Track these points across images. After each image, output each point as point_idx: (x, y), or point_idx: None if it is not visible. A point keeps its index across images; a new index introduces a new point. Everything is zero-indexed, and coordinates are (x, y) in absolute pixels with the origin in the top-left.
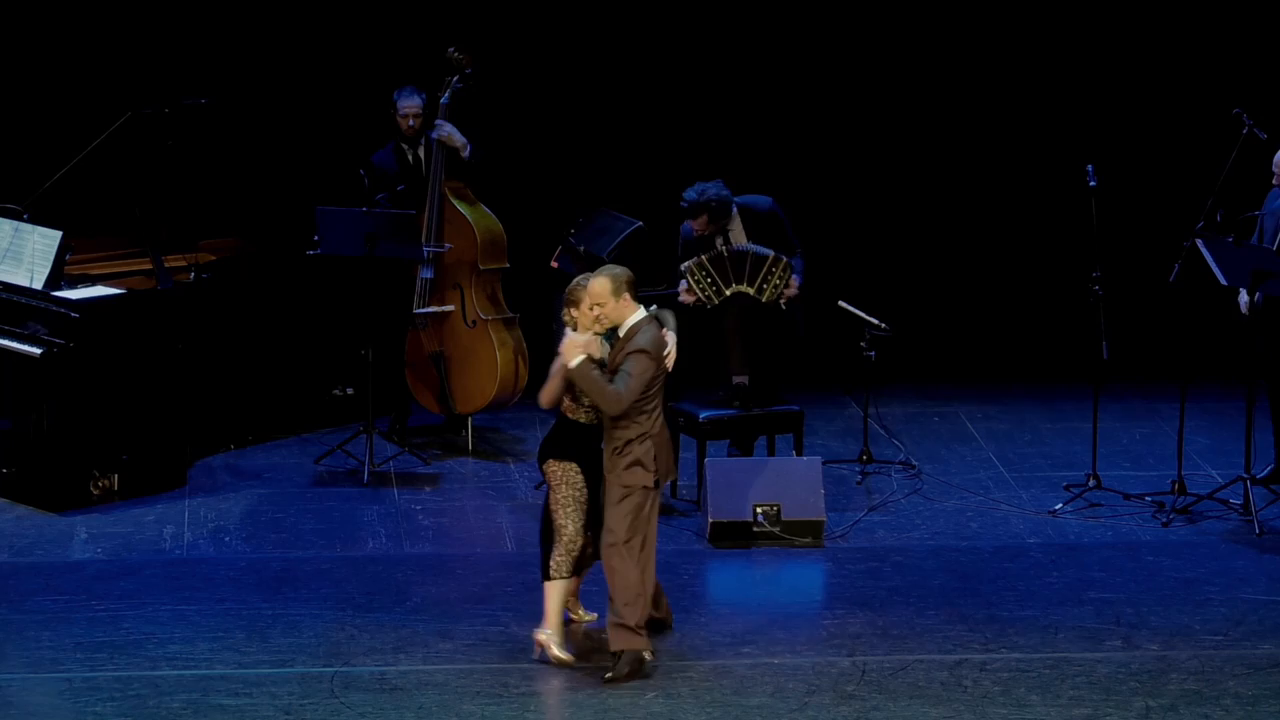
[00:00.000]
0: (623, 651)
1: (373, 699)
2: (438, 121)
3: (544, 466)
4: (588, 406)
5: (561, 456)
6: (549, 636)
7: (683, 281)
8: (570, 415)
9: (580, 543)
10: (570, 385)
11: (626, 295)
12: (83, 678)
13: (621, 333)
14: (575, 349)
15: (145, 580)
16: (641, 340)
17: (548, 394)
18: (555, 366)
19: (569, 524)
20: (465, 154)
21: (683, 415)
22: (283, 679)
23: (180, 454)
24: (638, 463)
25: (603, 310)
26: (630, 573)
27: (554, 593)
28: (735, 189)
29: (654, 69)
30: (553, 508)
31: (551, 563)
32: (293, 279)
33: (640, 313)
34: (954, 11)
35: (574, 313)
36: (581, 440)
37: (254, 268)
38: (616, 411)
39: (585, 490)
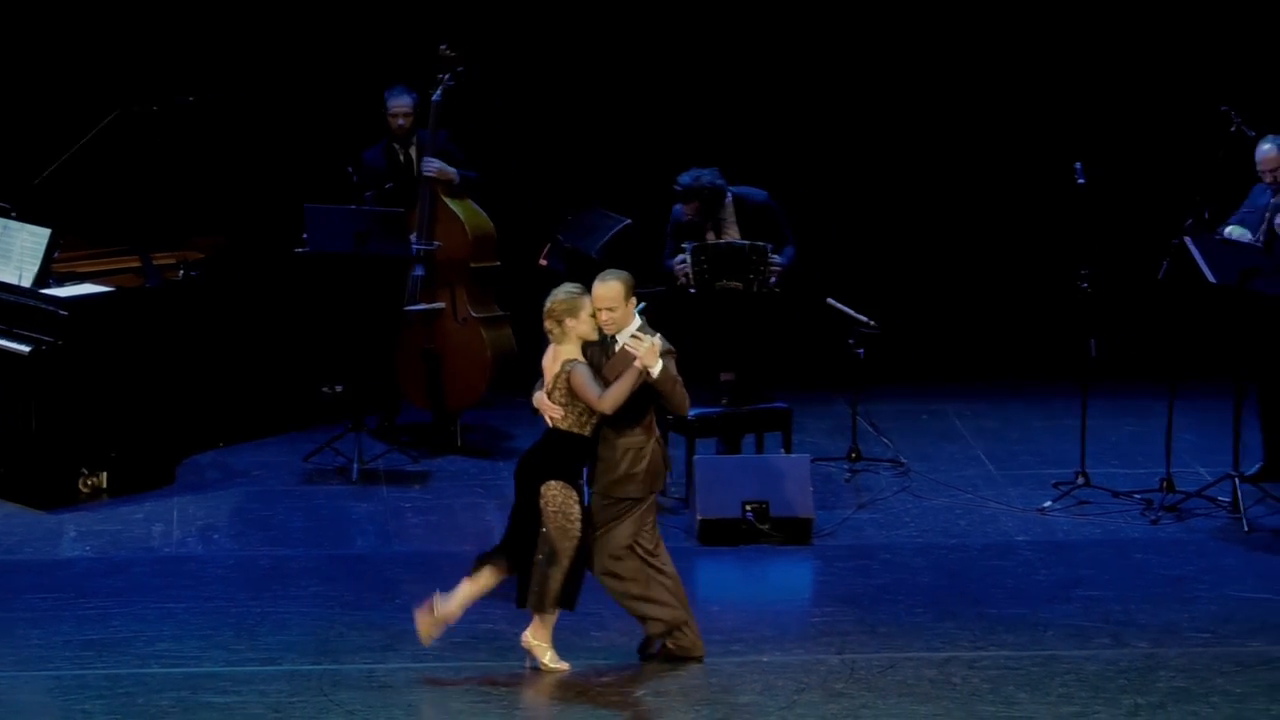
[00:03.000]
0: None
1: (361, 696)
2: (426, 160)
3: (545, 489)
4: (591, 419)
5: (566, 476)
6: (541, 646)
7: (681, 257)
8: (563, 427)
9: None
10: (574, 396)
11: (631, 299)
12: (72, 676)
13: (622, 338)
14: (654, 353)
15: (134, 578)
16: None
17: (616, 399)
18: (613, 372)
19: (570, 552)
20: (457, 183)
21: (671, 413)
22: (271, 677)
23: (168, 452)
24: (650, 471)
25: (613, 315)
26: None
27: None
28: (729, 182)
29: (647, 64)
30: (555, 538)
31: (541, 593)
32: (281, 277)
33: (638, 318)
34: (945, 10)
35: (569, 323)
36: (579, 454)
37: (242, 265)
38: (685, 413)
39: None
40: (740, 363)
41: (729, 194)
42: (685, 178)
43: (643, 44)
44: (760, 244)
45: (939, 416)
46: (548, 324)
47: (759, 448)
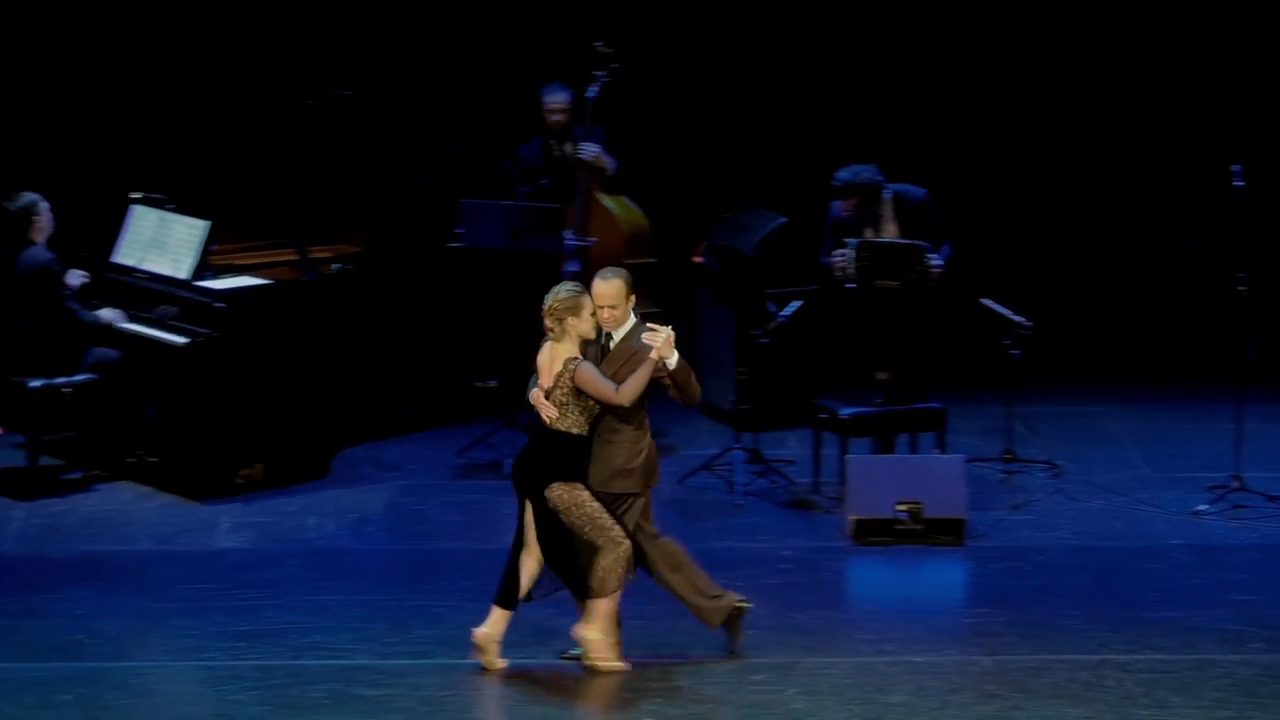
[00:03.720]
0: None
1: (513, 691)
2: (582, 145)
3: (549, 492)
4: (588, 418)
5: (568, 477)
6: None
7: (839, 253)
8: (560, 427)
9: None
10: (579, 393)
11: (631, 297)
12: (224, 666)
13: (619, 335)
14: (670, 344)
15: (287, 570)
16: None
17: (635, 391)
18: (611, 368)
19: (613, 532)
20: (610, 172)
21: (825, 412)
22: (423, 670)
23: (323, 445)
24: (647, 465)
25: (615, 312)
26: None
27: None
28: (887, 179)
29: (806, 60)
30: (582, 529)
31: (600, 578)
32: (436, 271)
33: (633, 316)
34: (1107, 8)
35: (570, 322)
36: (579, 454)
37: (397, 259)
38: (697, 404)
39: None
40: (895, 362)
41: (888, 190)
42: (844, 174)
43: (802, 40)
44: (920, 243)
45: (1094, 418)
46: (548, 322)
47: (913, 448)
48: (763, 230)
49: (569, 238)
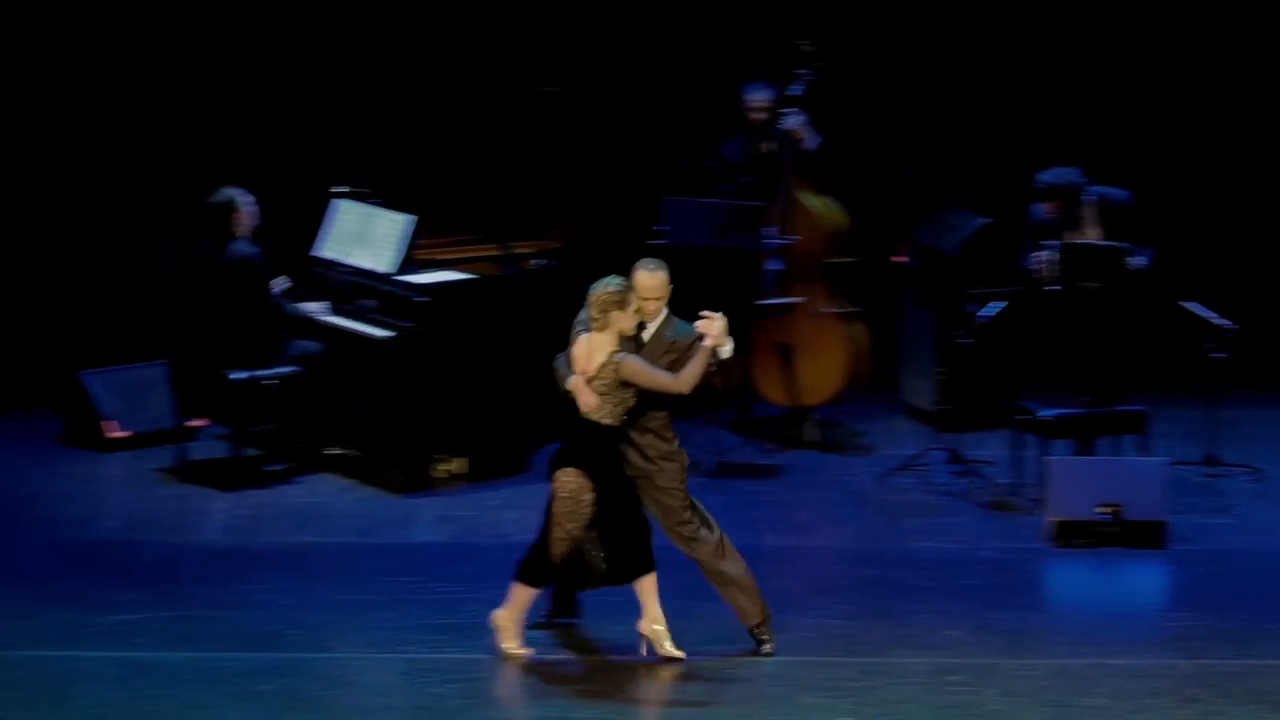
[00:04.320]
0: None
1: (713, 689)
2: (788, 114)
3: (561, 475)
4: (624, 409)
5: (592, 465)
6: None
7: (1041, 255)
8: (596, 417)
9: None
10: (620, 385)
11: (669, 288)
12: (424, 659)
13: (651, 329)
14: (725, 333)
15: (487, 564)
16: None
17: (694, 379)
18: (666, 354)
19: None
20: (809, 146)
21: (1026, 413)
22: (624, 666)
23: (524, 440)
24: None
25: (659, 304)
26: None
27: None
28: (1090, 181)
29: (1009, 61)
30: (560, 522)
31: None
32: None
33: (664, 310)
34: None
35: (615, 315)
36: (609, 444)
37: (599, 256)
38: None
39: None
40: (1097, 364)
41: (1090, 193)
42: (1047, 176)
43: (1006, 41)
44: (1122, 245)
45: None
46: (593, 312)
47: (1114, 450)
48: (965, 231)
49: (770, 235)
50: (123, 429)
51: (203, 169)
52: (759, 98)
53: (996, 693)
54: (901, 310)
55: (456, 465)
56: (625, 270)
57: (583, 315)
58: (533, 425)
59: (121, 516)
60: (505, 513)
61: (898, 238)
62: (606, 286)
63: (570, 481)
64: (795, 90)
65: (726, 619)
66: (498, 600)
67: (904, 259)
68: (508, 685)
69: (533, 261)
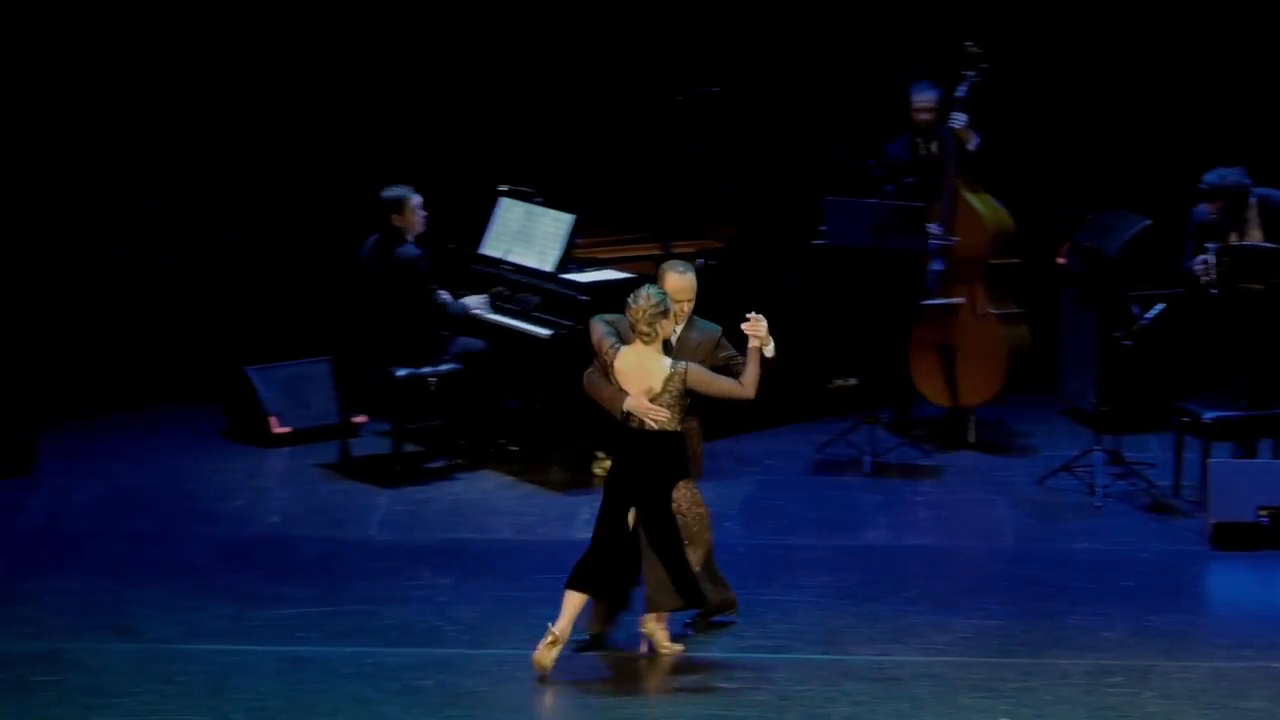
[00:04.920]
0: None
1: (869, 688)
2: (953, 114)
3: (676, 492)
4: (678, 415)
5: (682, 474)
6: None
7: (1202, 258)
8: (668, 428)
9: None
10: (684, 393)
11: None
12: (580, 655)
13: (679, 329)
14: (768, 335)
15: None
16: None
17: (756, 380)
18: (693, 354)
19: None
20: (971, 147)
21: (1188, 415)
22: (780, 665)
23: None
24: (698, 453)
25: (690, 304)
26: None
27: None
28: (1255, 183)
29: (1170, 61)
30: (690, 527)
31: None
32: (798, 268)
33: None
34: None
35: (663, 324)
36: (684, 450)
37: (759, 256)
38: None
39: None
40: (1258, 366)
41: (1254, 195)
42: (1211, 176)
43: (1171, 41)
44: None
45: None
46: (642, 327)
47: (1276, 453)
48: (1127, 233)
49: (934, 236)
50: (286, 425)
51: (375, 168)
52: (924, 98)
53: (1154, 695)
54: (1062, 312)
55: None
56: (782, 270)
57: (607, 330)
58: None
59: (283, 512)
60: None
61: (1059, 239)
62: (649, 298)
63: (685, 494)
64: (960, 91)
65: (879, 621)
66: None
67: (1065, 261)
68: (662, 681)
69: (696, 261)
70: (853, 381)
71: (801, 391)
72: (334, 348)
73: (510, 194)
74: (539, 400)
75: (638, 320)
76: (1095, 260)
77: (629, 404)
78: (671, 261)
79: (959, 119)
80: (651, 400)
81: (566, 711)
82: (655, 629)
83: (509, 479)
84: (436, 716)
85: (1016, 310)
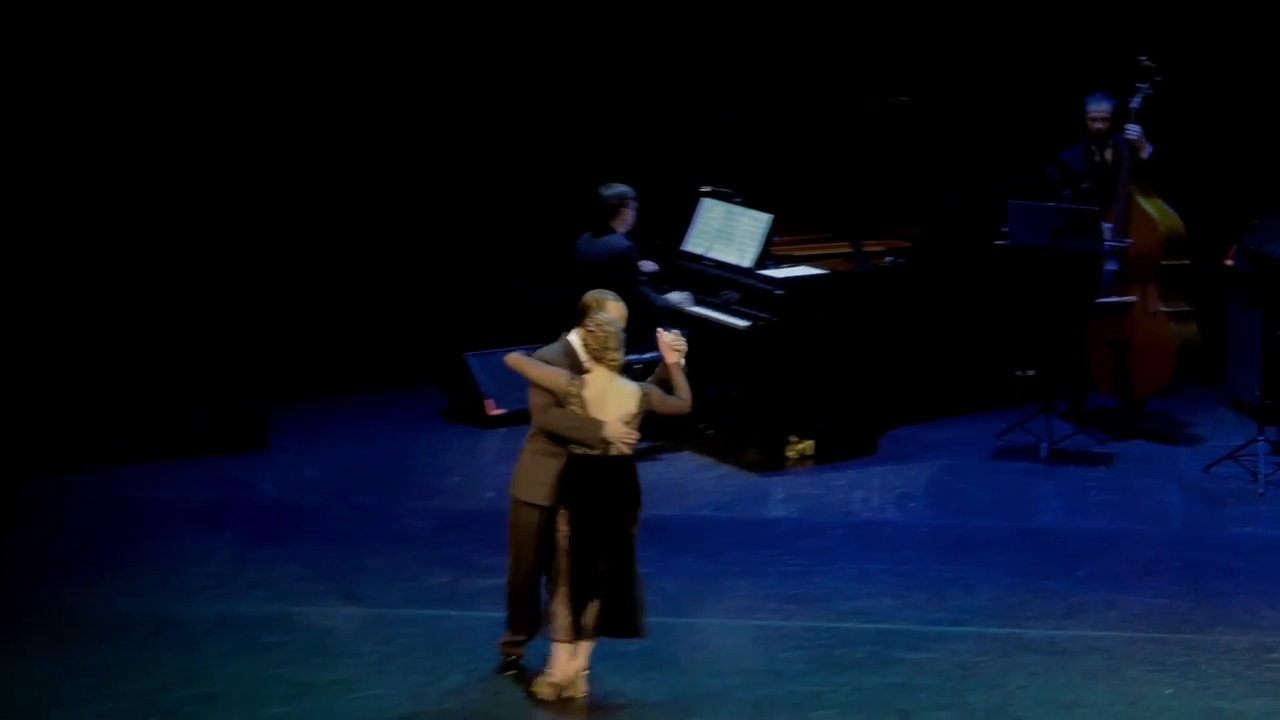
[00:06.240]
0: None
1: (1042, 660)
2: (1128, 125)
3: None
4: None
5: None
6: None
7: None
8: (630, 448)
9: None
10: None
11: None
12: (774, 626)
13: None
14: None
15: (834, 539)
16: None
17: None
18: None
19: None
20: (1145, 155)
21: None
22: (959, 637)
23: (871, 424)
24: None
25: None
26: None
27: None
28: None
29: None
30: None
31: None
32: (981, 267)
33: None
34: None
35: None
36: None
37: (944, 255)
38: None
39: None
40: None
41: None
42: None
43: None
44: None
45: None
46: (612, 354)
47: None
48: None
49: (1109, 238)
50: (501, 407)
51: (592, 170)
52: (1100, 108)
53: None
54: (1229, 310)
55: (807, 446)
56: (966, 269)
57: (549, 364)
58: (879, 411)
59: (498, 488)
60: (851, 492)
61: (1227, 242)
62: (611, 323)
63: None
64: (1134, 103)
65: (1053, 598)
66: (845, 573)
67: (1232, 262)
68: (847, 651)
69: (885, 259)
70: (1032, 373)
71: (984, 382)
72: (548, 335)
73: (712, 195)
74: (736, 387)
75: (609, 347)
76: (1261, 262)
77: (611, 431)
78: (599, 290)
79: (1133, 130)
80: (626, 424)
81: (758, 679)
82: (575, 661)
83: (708, 460)
84: (638, 679)
85: (1186, 308)
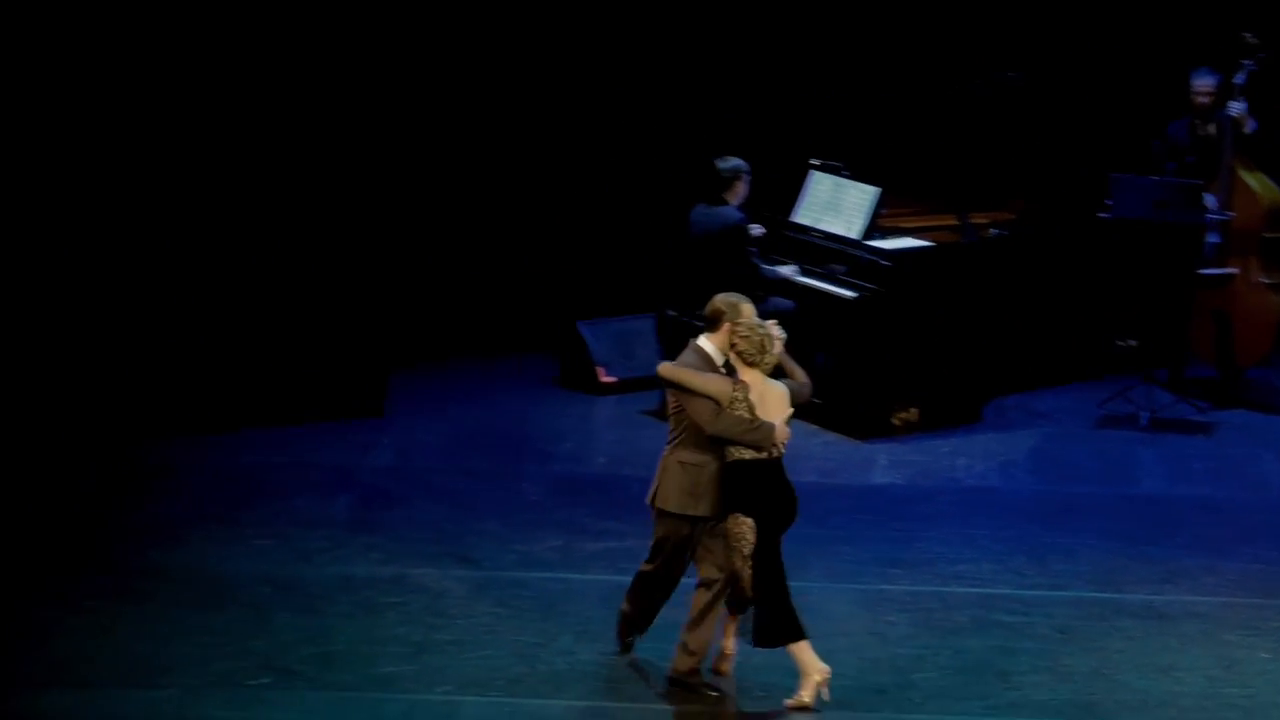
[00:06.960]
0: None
1: (1140, 625)
2: (1231, 102)
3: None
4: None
5: None
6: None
7: None
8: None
9: None
10: None
11: None
12: (877, 590)
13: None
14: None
15: (938, 505)
16: None
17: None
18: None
19: None
20: (1248, 130)
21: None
22: (1059, 601)
23: (976, 392)
24: None
25: None
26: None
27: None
28: None
29: None
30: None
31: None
32: (1084, 238)
33: None
34: None
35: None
36: None
37: (1048, 227)
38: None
39: None
40: None
41: None
42: None
43: None
44: None
45: None
46: (770, 357)
47: None
48: None
49: (1211, 211)
50: (613, 375)
51: (703, 144)
52: (1205, 83)
53: None
54: None
55: (912, 414)
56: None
57: (693, 361)
58: (983, 379)
59: (609, 454)
60: (955, 459)
61: None
62: (762, 324)
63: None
64: (1239, 79)
65: (1152, 563)
66: (948, 538)
67: None
68: (947, 614)
69: (990, 231)
70: (1133, 343)
71: (1086, 352)
72: (658, 304)
73: (820, 168)
74: (843, 356)
75: (766, 349)
76: None
77: (781, 434)
78: (725, 294)
79: (1237, 106)
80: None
81: (861, 642)
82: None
83: (814, 428)
84: (742, 641)
85: None
